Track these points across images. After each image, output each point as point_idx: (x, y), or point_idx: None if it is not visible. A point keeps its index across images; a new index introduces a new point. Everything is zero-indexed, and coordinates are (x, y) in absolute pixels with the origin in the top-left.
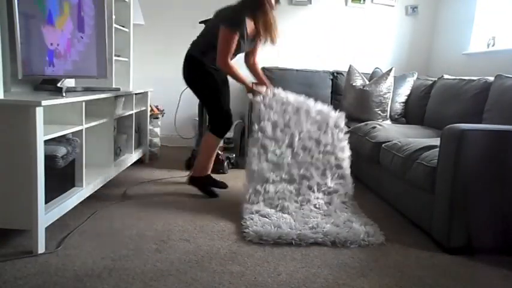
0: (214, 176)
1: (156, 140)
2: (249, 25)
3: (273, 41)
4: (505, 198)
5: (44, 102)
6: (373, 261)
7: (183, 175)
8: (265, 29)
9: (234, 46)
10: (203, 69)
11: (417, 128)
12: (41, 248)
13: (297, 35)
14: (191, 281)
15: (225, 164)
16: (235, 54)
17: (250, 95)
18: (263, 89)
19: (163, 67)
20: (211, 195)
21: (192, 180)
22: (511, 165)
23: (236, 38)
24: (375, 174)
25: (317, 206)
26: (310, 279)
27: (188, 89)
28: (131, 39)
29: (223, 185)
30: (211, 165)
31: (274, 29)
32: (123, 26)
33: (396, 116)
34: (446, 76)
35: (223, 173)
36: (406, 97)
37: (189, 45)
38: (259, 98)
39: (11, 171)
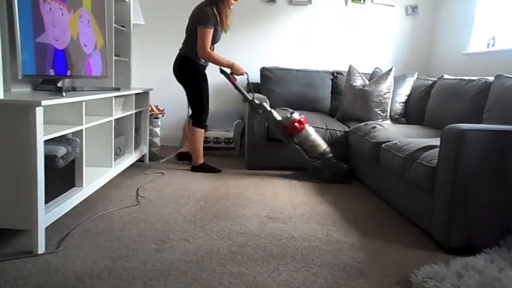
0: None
1: (156, 140)
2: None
3: (225, 31)
4: (505, 198)
5: (44, 102)
6: (373, 261)
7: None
8: (225, 19)
9: (210, 38)
10: (199, 70)
11: (417, 128)
12: (41, 248)
13: (297, 35)
14: (191, 281)
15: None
16: (213, 44)
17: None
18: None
19: (163, 67)
20: (216, 171)
21: (195, 169)
22: (511, 165)
23: (211, 31)
24: (375, 174)
25: None
26: (310, 279)
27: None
28: (131, 39)
29: (217, 170)
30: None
31: (228, 20)
32: (123, 26)
33: (396, 116)
34: (446, 76)
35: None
36: (406, 97)
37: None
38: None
39: (11, 171)
